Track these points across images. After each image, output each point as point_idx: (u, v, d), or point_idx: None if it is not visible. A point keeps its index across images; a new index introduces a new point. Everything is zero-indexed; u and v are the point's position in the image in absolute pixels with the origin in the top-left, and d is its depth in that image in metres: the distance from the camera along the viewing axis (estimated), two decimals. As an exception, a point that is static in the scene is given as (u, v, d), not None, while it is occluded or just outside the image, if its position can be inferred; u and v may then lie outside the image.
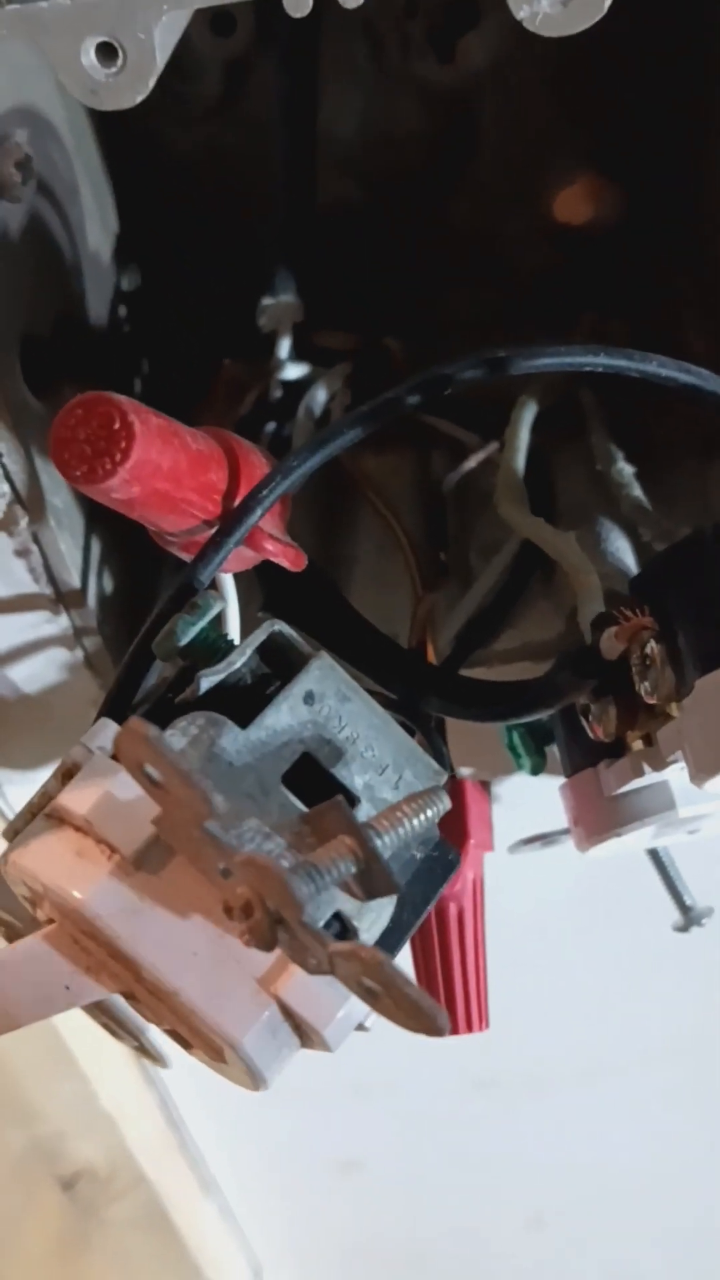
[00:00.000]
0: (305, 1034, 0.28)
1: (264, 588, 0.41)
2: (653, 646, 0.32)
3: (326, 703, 0.28)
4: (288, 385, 0.49)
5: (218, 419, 0.50)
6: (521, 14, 0.30)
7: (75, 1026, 0.56)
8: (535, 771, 0.41)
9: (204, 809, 0.23)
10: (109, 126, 0.51)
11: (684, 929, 0.46)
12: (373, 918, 0.28)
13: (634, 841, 0.41)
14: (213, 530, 0.30)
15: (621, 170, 0.53)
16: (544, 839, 0.44)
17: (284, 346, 0.49)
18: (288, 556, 0.32)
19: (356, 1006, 0.28)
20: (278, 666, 0.30)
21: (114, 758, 0.27)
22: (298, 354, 0.50)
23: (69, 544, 0.42)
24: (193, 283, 0.53)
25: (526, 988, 0.64)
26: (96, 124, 0.50)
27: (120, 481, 0.27)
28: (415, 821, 0.27)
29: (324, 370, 0.50)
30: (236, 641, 0.30)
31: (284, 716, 0.28)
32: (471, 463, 0.46)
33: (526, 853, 0.47)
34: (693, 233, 0.51)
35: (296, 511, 0.49)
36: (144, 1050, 0.37)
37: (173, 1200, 0.71)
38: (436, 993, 0.40)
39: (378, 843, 0.26)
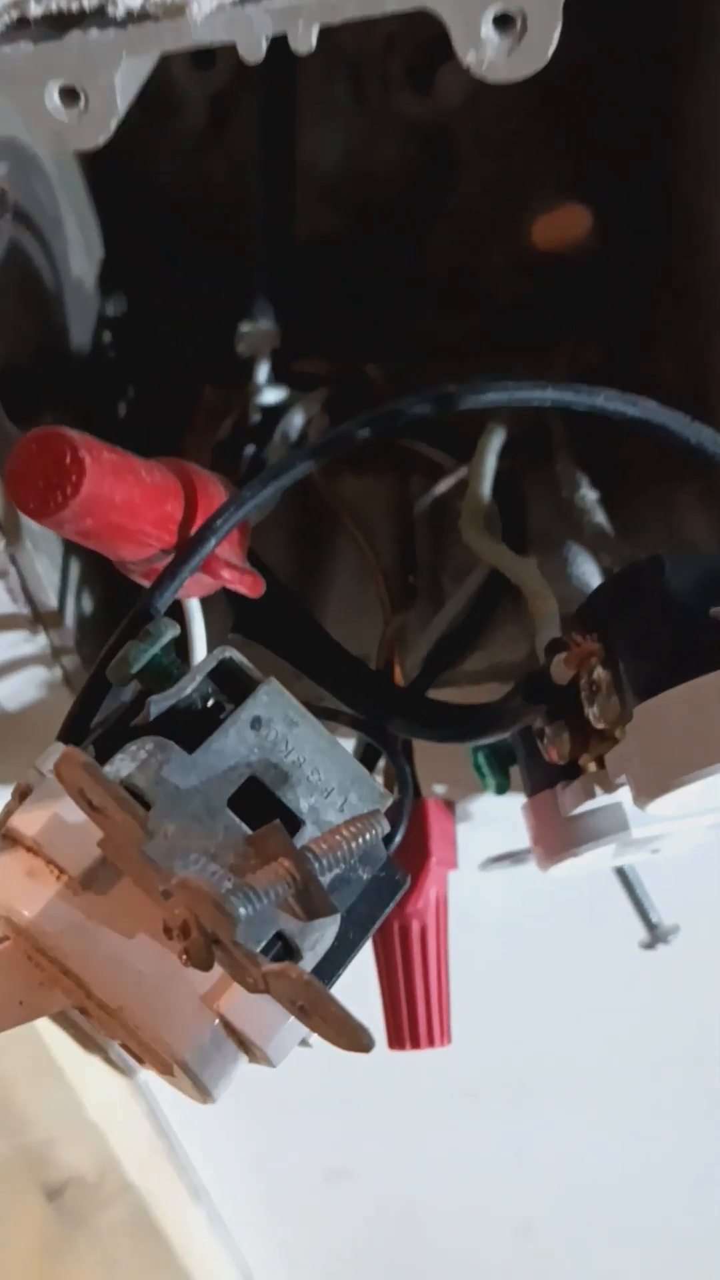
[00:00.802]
0: (249, 1049, 0.29)
1: (234, 609, 0.42)
2: (600, 672, 0.33)
3: (274, 728, 0.29)
4: (266, 410, 0.51)
5: (198, 443, 0.51)
6: (469, 60, 0.31)
7: (61, 1036, 0.57)
8: (500, 791, 0.42)
9: (139, 833, 0.24)
10: (95, 159, 0.52)
11: (650, 946, 0.47)
12: (316, 937, 0.28)
13: (595, 861, 0.41)
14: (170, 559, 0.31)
15: (598, 200, 0.54)
16: (513, 857, 0.45)
17: (262, 371, 0.50)
18: (245, 583, 0.33)
19: (297, 1024, 0.28)
20: (230, 691, 0.31)
21: (65, 781, 0.28)
22: (277, 380, 0.51)
23: (46, 566, 0.43)
24: (176, 309, 0.54)
25: (507, 1000, 0.65)
26: (82, 157, 0.51)
27: (71, 514, 0.28)
28: (354, 844, 0.28)
29: (302, 395, 0.51)
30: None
31: (231, 741, 0.29)
32: (442, 486, 0.47)
33: (498, 870, 0.48)
34: (665, 262, 0.52)
35: (271, 535, 0.50)
36: (111, 1061, 0.38)
37: (161, 1207, 0.72)
38: (399, 1008, 0.40)
39: (315, 865, 0.27)
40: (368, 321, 0.55)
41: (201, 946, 0.25)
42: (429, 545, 0.49)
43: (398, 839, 0.40)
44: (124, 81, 0.32)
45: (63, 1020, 0.35)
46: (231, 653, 0.30)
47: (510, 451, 0.47)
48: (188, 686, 0.29)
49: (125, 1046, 0.31)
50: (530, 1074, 0.71)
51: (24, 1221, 0.60)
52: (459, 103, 0.52)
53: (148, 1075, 0.70)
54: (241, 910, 0.25)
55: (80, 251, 0.51)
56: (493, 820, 0.51)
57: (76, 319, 0.50)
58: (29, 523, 0.43)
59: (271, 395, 0.50)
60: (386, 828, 0.28)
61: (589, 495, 0.43)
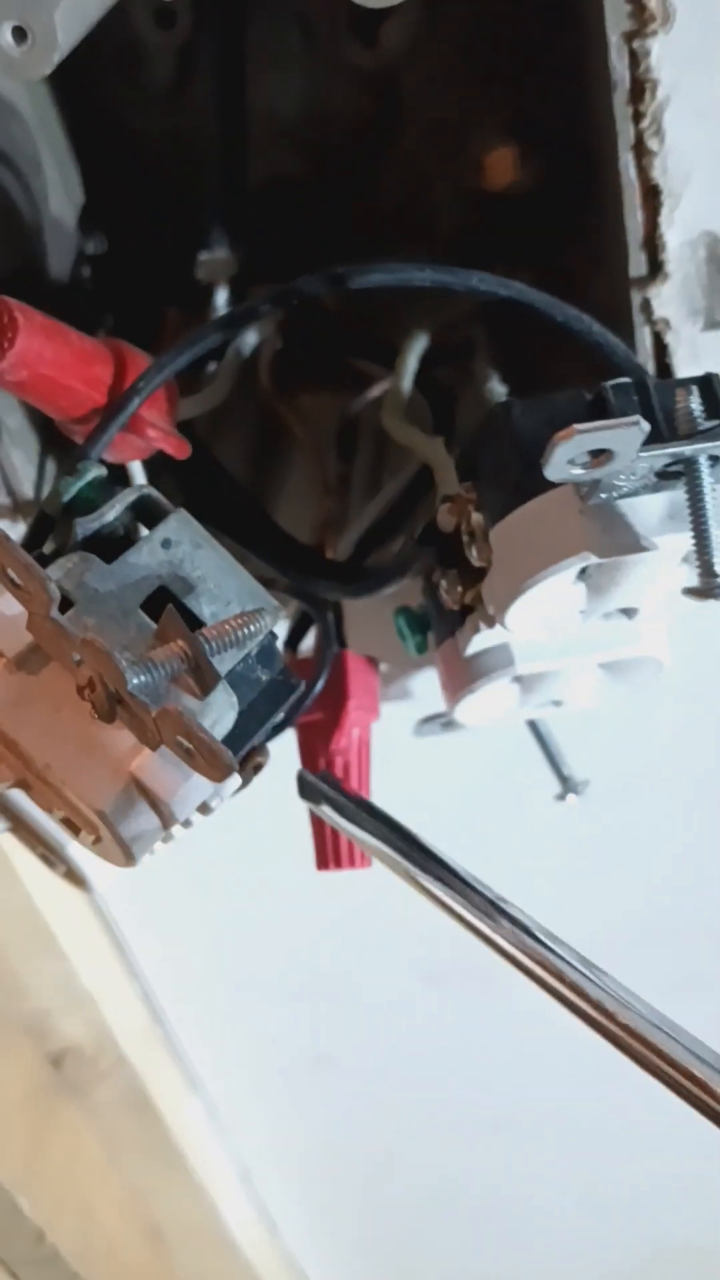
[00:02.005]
0: (159, 810, 0.35)
1: (183, 492, 0.48)
2: (476, 517, 0.38)
3: (181, 548, 0.35)
4: (227, 330, 0.56)
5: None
6: (350, -11, 0.36)
7: (55, 910, 0.64)
8: (419, 650, 0.47)
9: (46, 599, 0.30)
10: (74, 110, 0.58)
11: (561, 797, 0.52)
12: (214, 717, 0.34)
13: (499, 706, 0.47)
14: (103, 418, 0.37)
15: (535, 138, 0.59)
16: (440, 718, 0.50)
17: (220, 296, 0.55)
18: (170, 444, 0.39)
19: (197, 784, 0.34)
20: (150, 525, 0.36)
21: None
22: (236, 305, 0.57)
23: (22, 459, 0.49)
24: (145, 242, 0.60)
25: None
26: (61, 107, 0.57)
27: (8, 366, 0.34)
28: (241, 632, 0.33)
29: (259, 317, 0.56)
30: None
31: (144, 556, 0.34)
32: (375, 391, 0.52)
33: (433, 737, 0.53)
34: (594, 197, 0.57)
35: (234, 445, 0.56)
36: (70, 875, 0.44)
37: (159, 1089, 0.78)
38: (324, 832, 0.46)
39: (205, 646, 0.32)
40: (324, 251, 0.60)
41: (104, 700, 0.31)
42: (369, 445, 0.55)
43: (321, 682, 0.45)
44: (65, 20, 0.38)
45: (30, 838, 0.41)
46: (149, 490, 0.36)
47: (446, 361, 0.53)
48: (108, 513, 0.35)
49: (65, 820, 0.37)
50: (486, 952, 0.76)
51: (20, 1077, 0.66)
52: (402, 51, 0.57)
53: (141, 955, 0.76)
54: (137, 676, 0.30)
55: (59, 192, 0.57)
56: (429, 696, 0.57)
57: (55, 252, 0.56)
58: (7, 419, 0.49)
59: (230, 317, 0.56)
60: (271, 623, 0.34)
61: (497, 388, 0.48)
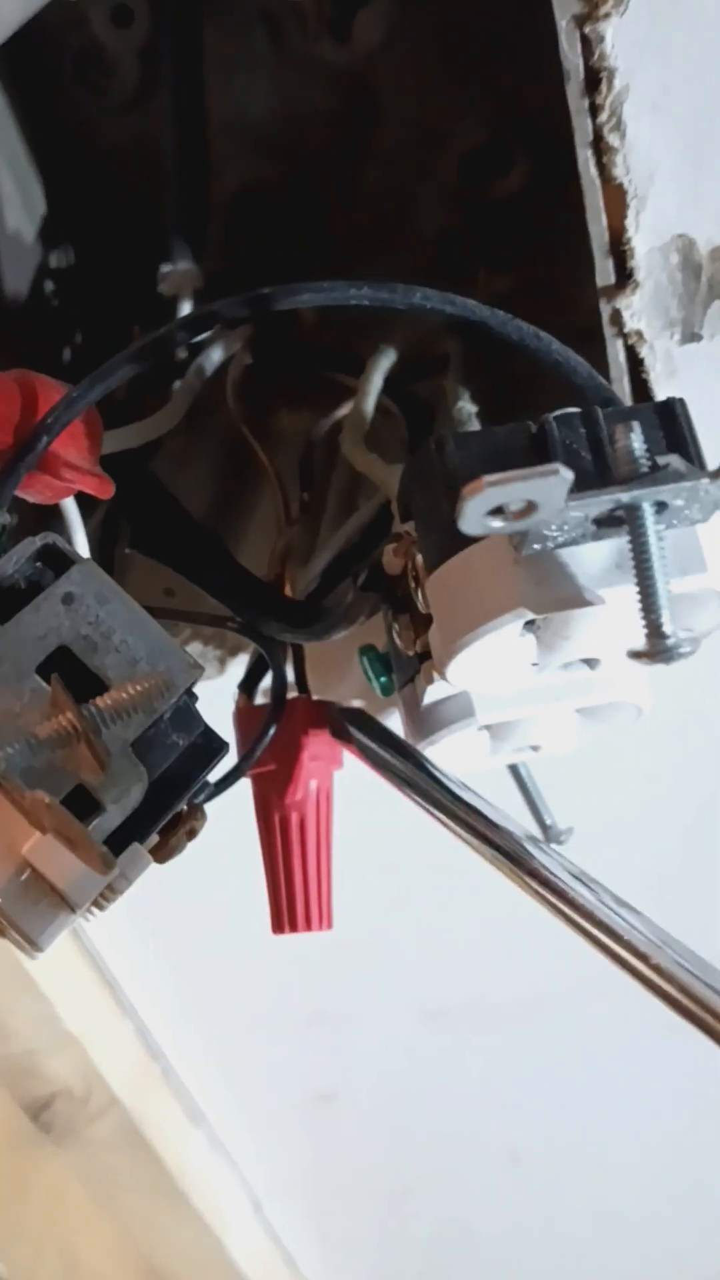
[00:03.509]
0: (59, 894, 0.32)
1: (130, 526, 0.45)
2: (419, 558, 0.35)
3: (86, 603, 0.32)
4: (193, 347, 0.53)
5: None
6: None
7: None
8: (385, 693, 0.44)
9: None
10: (35, 119, 0.55)
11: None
12: (119, 791, 0.31)
13: (470, 754, 0.43)
14: (9, 459, 0.34)
15: (518, 136, 0.56)
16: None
17: (184, 309, 0.52)
18: (90, 485, 0.36)
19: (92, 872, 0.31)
20: (58, 572, 0.33)
21: None
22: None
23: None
24: (109, 256, 0.57)
25: (456, 921, 0.67)
26: (19, 116, 0.55)
27: None
28: (138, 699, 0.30)
29: (225, 333, 0.53)
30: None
31: (42, 614, 0.31)
32: (342, 410, 0.49)
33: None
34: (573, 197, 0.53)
35: (196, 472, 0.53)
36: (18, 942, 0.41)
37: (155, 1127, 0.75)
38: (280, 895, 0.43)
39: (95, 718, 0.29)
40: (298, 261, 0.57)
41: (-17, 785, 0.28)
42: (343, 470, 0.51)
43: (269, 734, 0.42)
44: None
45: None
46: (53, 538, 0.33)
47: (426, 375, 0.50)
48: (7, 566, 0.32)
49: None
50: (489, 991, 0.73)
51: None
52: (376, 47, 0.54)
53: (133, 993, 0.73)
54: (9, 750, 0.27)
55: (16, 206, 0.54)
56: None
57: (12, 268, 0.53)
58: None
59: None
60: (180, 690, 0.31)
61: (467, 408, 0.44)
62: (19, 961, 0.60)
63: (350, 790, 0.47)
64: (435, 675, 0.37)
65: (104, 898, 0.32)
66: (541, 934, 0.68)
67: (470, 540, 0.31)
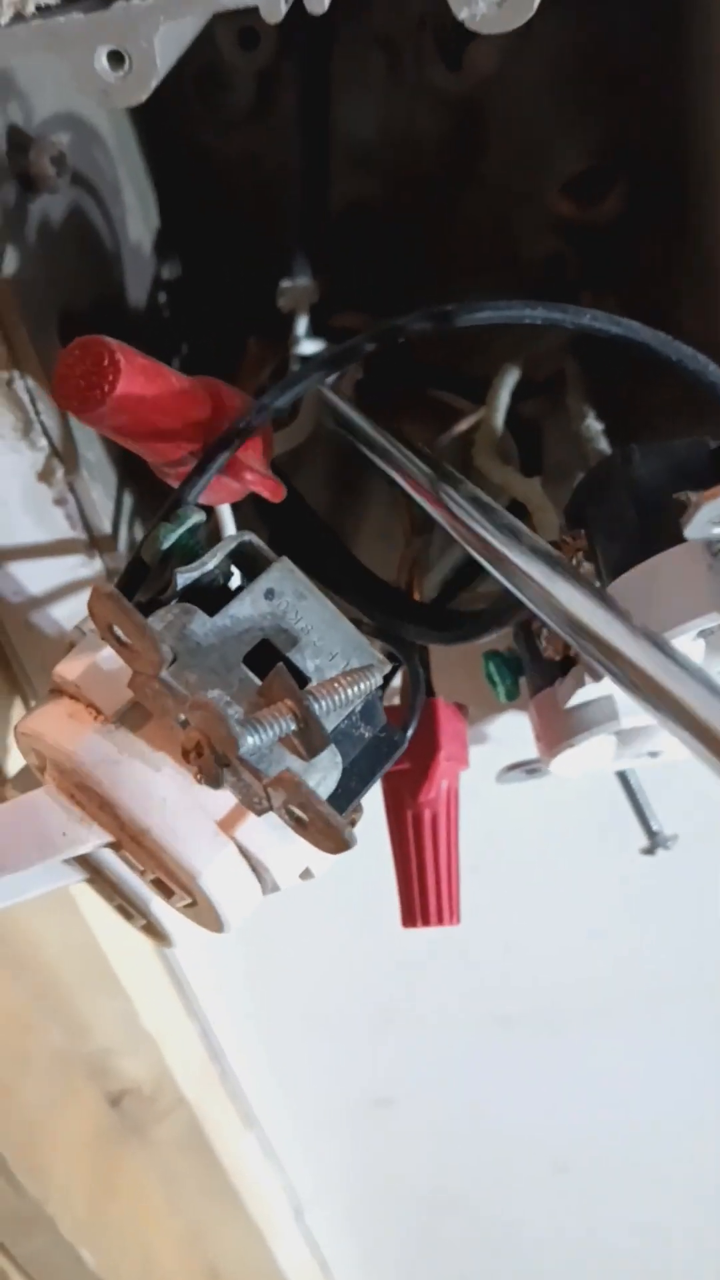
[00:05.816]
0: (260, 875, 0.33)
1: (268, 532, 0.46)
2: (585, 566, 0.36)
3: (284, 599, 0.33)
4: (305, 361, 0.55)
5: (243, 390, 0.56)
6: (463, 15, 0.35)
7: (117, 949, 0.62)
8: (509, 698, 0.46)
9: (157, 659, 0.28)
10: (154, 134, 0.57)
11: (650, 851, 0.50)
12: (319, 778, 0.32)
13: (596, 758, 0.45)
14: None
15: (623, 165, 0.58)
16: (525, 766, 0.48)
17: (301, 325, 0.54)
18: (266, 487, 0.37)
19: (301, 849, 0.32)
20: (249, 572, 0.35)
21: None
22: (316, 334, 0.55)
23: (101, 494, 0.48)
24: (224, 270, 0.58)
25: (537, 926, 0.68)
26: (141, 131, 0.56)
27: (109, 410, 0.32)
28: (350, 691, 0.31)
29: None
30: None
31: (246, 608, 0.33)
32: (464, 425, 0.50)
33: (516, 784, 0.51)
34: (686, 223, 0.55)
35: (313, 476, 0.55)
36: (150, 929, 0.42)
37: (215, 1128, 0.76)
38: (412, 889, 0.44)
39: (315, 706, 0.31)
40: (405, 280, 0.59)
41: (212, 764, 0.29)
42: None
43: (410, 731, 0.44)
44: (163, 45, 0.37)
45: (107, 890, 0.39)
46: (250, 536, 0.34)
47: (532, 395, 0.51)
48: (209, 562, 0.33)
49: (156, 882, 0.35)
50: (560, 997, 0.74)
51: (84, 1112, 0.64)
52: (488, 75, 0.56)
53: (201, 992, 0.74)
54: (249, 739, 0.29)
55: (138, 218, 0.56)
56: (506, 739, 0.55)
57: (133, 279, 0.55)
58: (86, 452, 0.48)
59: (310, 347, 0.54)
60: (380, 681, 0.32)
61: (594, 425, 0.46)
62: (104, 959, 0.61)
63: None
64: (586, 678, 0.39)
65: (302, 877, 0.33)
66: (618, 940, 0.70)
67: (652, 550, 0.33)
